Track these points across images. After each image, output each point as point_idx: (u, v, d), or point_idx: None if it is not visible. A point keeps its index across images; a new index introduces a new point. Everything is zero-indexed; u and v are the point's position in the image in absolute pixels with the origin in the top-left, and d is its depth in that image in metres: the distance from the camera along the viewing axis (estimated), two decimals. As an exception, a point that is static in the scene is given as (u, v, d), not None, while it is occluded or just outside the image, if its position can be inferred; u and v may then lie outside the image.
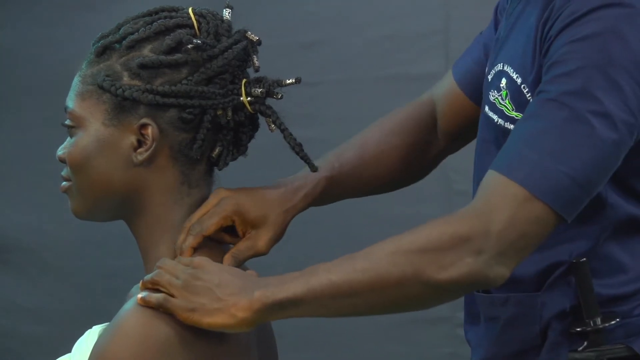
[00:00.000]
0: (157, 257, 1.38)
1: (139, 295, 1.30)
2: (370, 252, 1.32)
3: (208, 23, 1.41)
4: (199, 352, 1.31)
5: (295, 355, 2.25)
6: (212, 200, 1.43)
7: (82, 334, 1.48)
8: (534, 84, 1.40)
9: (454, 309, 2.63)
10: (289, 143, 1.45)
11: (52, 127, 1.75)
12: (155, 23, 1.40)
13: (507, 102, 1.46)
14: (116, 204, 1.41)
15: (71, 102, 1.40)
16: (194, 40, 1.37)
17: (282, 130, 1.43)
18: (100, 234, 2.84)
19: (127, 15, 1.43)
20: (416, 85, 2.03)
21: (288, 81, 1.43)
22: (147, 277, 1.33)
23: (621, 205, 1.44)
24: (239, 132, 1.44)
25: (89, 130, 1.38)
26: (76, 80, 1.41)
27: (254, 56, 1.43)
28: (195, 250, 1.39)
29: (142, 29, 1.39)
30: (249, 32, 1.43)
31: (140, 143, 1.38)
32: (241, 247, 1.43)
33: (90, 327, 1.48)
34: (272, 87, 1.42)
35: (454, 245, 1.30)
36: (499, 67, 1.50)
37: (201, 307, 1.30)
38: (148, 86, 1.37)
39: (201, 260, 1.34)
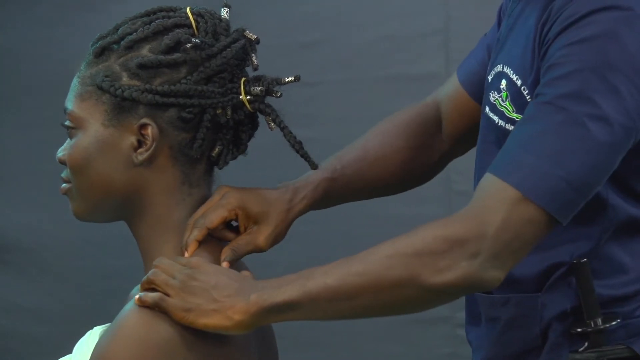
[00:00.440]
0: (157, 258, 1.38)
1: (137, 296, 1.30)
2: (366, 256, 1.32)
3: (206, 22, 1.41)
4: (200, 352, 1.31)
5: (295, 355, 2.25)
6: (215, 196, 1.43)
7: (82, 334, 1.48)
8: (533, 86, 1.40)
9: (454, 309, 2.63)
10: (288, 141, 1.45)
11: (52, 127, 1.74)
12: (153, 23, 1.40)
13: (508, 104, 1.46)
14: (117, 204, 1.40)
15: (70, 103, 1.40)
16: (193, 40, 1.37)
17: (282, 129, 1.43)
18: (100, 234, 2.84)
19: (127, 16, 1.43)
20: (416, 85, 2.05)
21: (287, 79, 1.43)
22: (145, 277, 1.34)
23: (622, 206, 1.44)
24: (239, 131, 1.44)
25: (88, 131, 1.38)
26: (75, 82, 1.41)
27: (253, 55, 1.43)
28: (200, 245, 1.39)
29: (141, 29, 1.39)
30: (248, 31, 1.43)
31: (140, 143, 1.38)
32: (241, 241, 1.43)
33: (90, 328, 1.48)
34: (271, 86, 1.42)
35: (449, 248, 1.30)
36: (499, 68, 1.49)
37: (197, 307, 1.29)
38: (147, 86, 1.37)
39: (198, 260, 1.34)
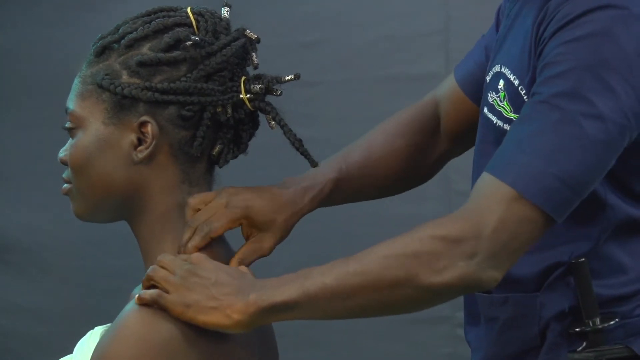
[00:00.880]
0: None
1: (136, 295, 1.31)
2: (364, 256, 1.32)
3: (206, 21, 1.42)
4: (201, 351, 1.31)
5: (295, 355, 2.25)
6: (220, 200, 1.43)
7: (82, 334, 1.48)
8: (530, 86, 1.40)
9: (454, 309, 2.63)
10: (288, 139, 1.45)
11: (52, 127, 1.75)
12: (153, 22, 1.40)
13: (506, 104, 1.46)
14: (117, 204, 1.40)
15: (71, 103, 1.40)
16: (193, 38, 1.38)
17: (282, 126, 1.44)
18: (100, 234, 2.84)
19: (127, 16, 1.44)
20: (416, 85, 2.05)
21: (287, 77, 1.43)
22: (145, 275, 1.34)
23: (620, 206, 1.44)
24: (239, 130, 1.45)
25: (89, 130, 1.38)
26: (76, 82, 1.41)
27: (253, 54, 1.43)
28: (199, 249, 1.39)
29: (141, 28, 1.40)
30: (248, 30, 1.44)
31: (140, 141, 1.38)
32: (247, 251, 1.44)
33: (91, 327, 1.48)
34: (271, 84, 1.42)
35: (446, 248, 1.30)
36: (497, 68, 1.50)
37: (196, 303, 1.29)
38: (147, 84, 1.37)
39: (199, 257, 1.34)
